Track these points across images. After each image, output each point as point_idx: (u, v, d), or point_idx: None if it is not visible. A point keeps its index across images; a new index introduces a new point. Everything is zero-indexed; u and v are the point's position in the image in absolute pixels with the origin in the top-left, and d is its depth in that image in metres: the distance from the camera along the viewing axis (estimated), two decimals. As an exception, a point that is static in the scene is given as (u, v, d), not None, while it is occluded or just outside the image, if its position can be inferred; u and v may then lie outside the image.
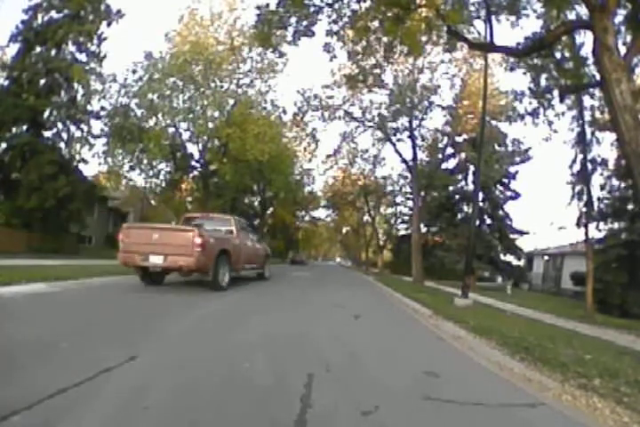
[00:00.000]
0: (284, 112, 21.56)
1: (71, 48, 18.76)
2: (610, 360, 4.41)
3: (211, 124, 19.00)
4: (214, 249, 7.62)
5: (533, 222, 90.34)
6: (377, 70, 18.85)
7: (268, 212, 38.18)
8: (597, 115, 12.45)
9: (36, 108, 17.23)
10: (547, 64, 9.90)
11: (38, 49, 18.01)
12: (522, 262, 29.96)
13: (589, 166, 13.21)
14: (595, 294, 12.12)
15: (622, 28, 7.80)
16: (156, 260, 7.10)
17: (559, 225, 24.17)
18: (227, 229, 9.36)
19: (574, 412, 2.93)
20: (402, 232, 35.68)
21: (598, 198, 15.75)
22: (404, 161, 21.78)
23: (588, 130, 12.97)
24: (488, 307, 10.60)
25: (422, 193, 22.42)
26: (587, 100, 12.22)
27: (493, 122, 19.48)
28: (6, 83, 17.68)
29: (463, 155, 25.43)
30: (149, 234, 7.23)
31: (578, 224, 13.37)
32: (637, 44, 6.42)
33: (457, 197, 27.40)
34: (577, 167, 13.61)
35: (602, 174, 15.33)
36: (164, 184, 20.98)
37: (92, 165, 77.86)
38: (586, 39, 9.62)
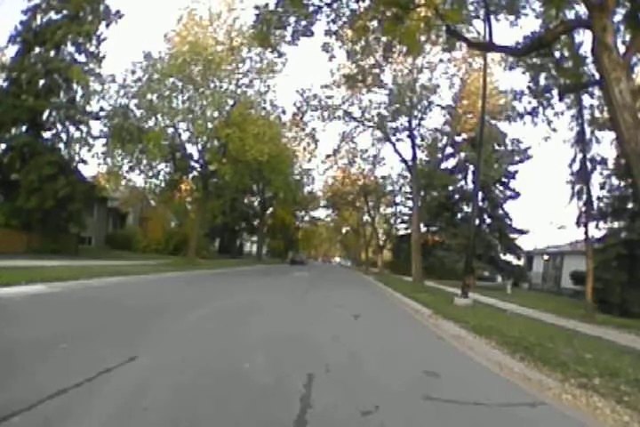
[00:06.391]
0: (284, 112, 21.55)
1: (70, 49, 18.67)
2: (610, 359, 4.41)
3: (210, 125, 18.94)
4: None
5: (533, 222, 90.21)
6: (376, 70, 18.82)
7: (268, 212, 38.13)
8: (597, 114, 12.40)
9: (36, 109, 17.17)
10: (546, 63, 9.87)
11: (37, 50, 17.93)
12: (522, 262, 29.91)
13: (589, 165, 13.16)
14: (595, 293, 12.08)
15: (621, 27, 7.79)
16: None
17: (559, 224, 24.22)
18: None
19: (574, 411, 2.93)
20: (401, 232, 35.60)
21: (598, 197, 15.68)
22: (404, 161, 21.75)
23: (588, 129, 12.91)
24: (488, 306, 10.59)
25: (422, 193, 22.39)
26: (586, 99, 12.17)
27: (493, 121, 19.46)
28: (5, 84, 17.61)
29: (463, 154, 25.43)
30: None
31: (577, 223, 13.35)
32: (636, 42, 6.42)
33: (456, 196, 27.37)
34: (576, 166, 13.56)
35: (601, 173, 15.29)
36: (163, 184, 20.92)
37: (91, 165, 77.84)
38: (585, 38, 9.56)
